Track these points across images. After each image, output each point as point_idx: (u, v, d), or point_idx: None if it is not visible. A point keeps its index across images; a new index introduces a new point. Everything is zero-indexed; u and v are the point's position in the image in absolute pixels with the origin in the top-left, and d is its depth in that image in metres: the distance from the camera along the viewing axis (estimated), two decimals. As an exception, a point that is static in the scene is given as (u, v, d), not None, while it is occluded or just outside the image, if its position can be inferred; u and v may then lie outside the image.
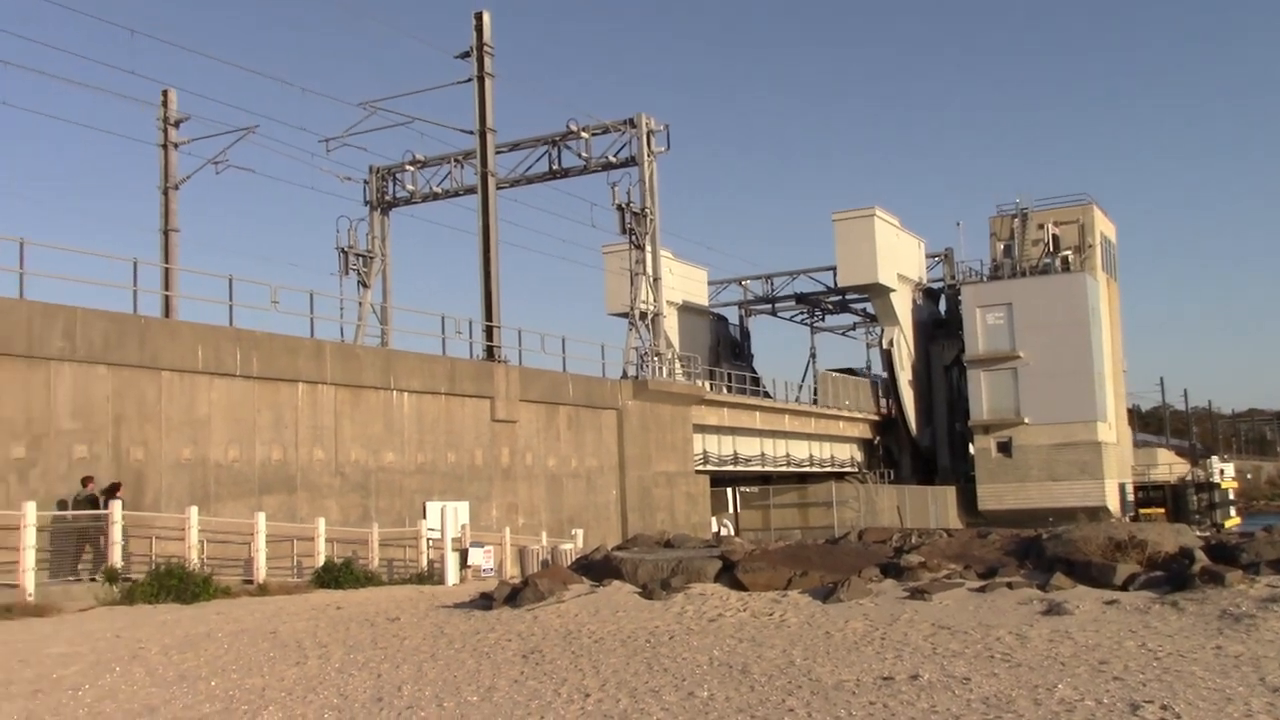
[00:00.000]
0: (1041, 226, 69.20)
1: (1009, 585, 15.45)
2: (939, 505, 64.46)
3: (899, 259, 67.54)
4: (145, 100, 40.23)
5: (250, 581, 23.37)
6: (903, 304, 68.58)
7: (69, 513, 22.24)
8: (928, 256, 74.08)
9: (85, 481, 23.15)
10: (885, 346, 68.98)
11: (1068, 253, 68.19)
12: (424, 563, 28.38)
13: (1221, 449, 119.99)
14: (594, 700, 9.92)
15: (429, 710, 9.78)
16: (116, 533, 21.57)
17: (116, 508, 21.89)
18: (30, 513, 19.61)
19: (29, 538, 19.41)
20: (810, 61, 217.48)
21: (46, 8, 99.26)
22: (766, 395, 58.60)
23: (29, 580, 19.13)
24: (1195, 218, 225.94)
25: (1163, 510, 67.94)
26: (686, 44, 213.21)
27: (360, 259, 47.04)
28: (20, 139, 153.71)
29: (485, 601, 17.59)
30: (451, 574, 26.76)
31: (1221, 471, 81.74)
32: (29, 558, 19.29)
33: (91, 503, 22.57)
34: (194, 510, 23.23)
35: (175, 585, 20.47)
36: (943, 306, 75.14)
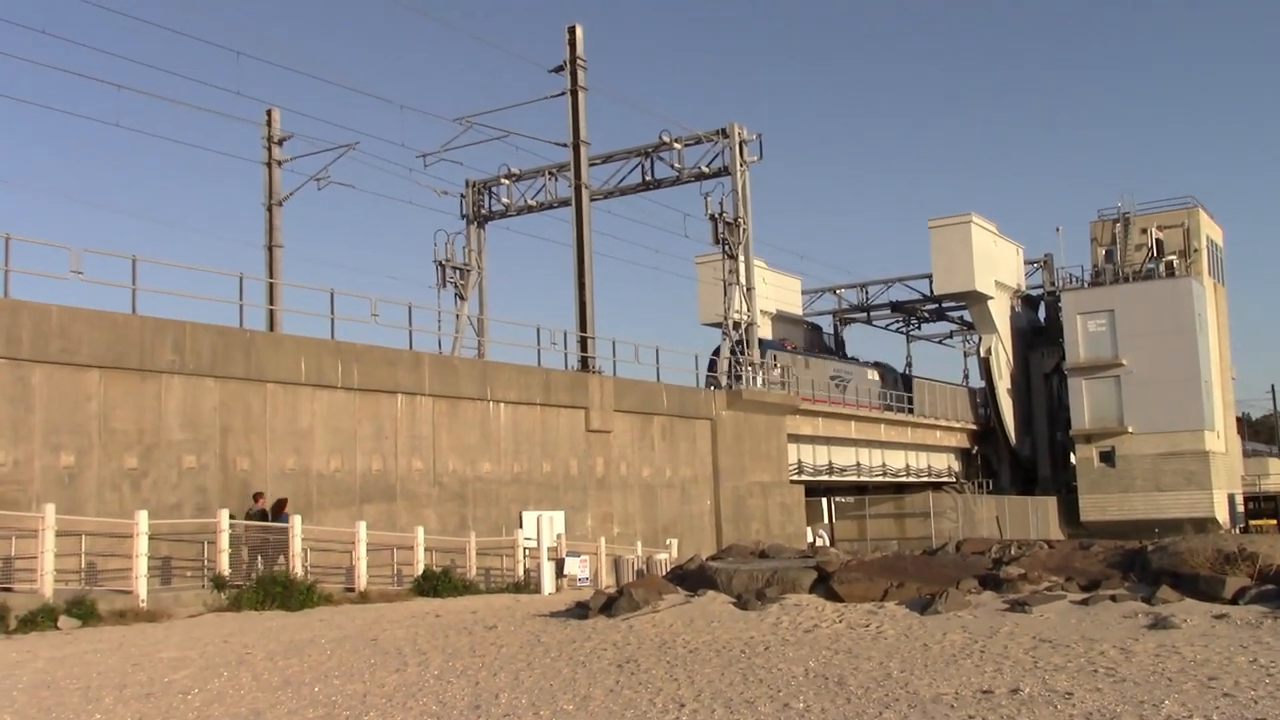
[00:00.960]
0: (1144, 231, 67.57)
1: (1113, 598, 15.14)
2: (1039, 516, 63.26)
3: (996, 266, 66.52)
4: (250, 120, 41.37)
5: (351, 589, 23.83)
6: (1001, 311, 67.49)
7: (241, 522, 23.45)
8: (1026, 263, 72.81)
9: (256, 498, 24.66)
10: (983, 355, 67.91)
11: (1172, 257, 66.51)
12: (520, 572, 28.66)
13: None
14: (689, 710, 9.96)
15: (525, 718, 9.90)
16: (297, 545, 23.15)
17: (297, 522, 23.47)
18: (143, 521, 20.24)
19: (141, 545, 20.02)
20: (905, 68, 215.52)
21: (158, 32, 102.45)
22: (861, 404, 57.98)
23: (142, 586, 19.74)
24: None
25: (1274, 522, 65.75)
26: (778, 53, 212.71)
27: (457, 272, 47.66)
28: (132, 160, 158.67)
29: (581, 610, 17.73)
30: (547, 583, 27.00)
31: (1337, 482, 78.89)
32: (142, 565, 19.90)
33: (261, 516, 24.03)
34: (297, 519, 23.75)
35: (280, 592, 20.99)
36: (1042, 314, 73.78)
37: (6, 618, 17.24)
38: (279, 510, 24.44)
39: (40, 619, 17.48)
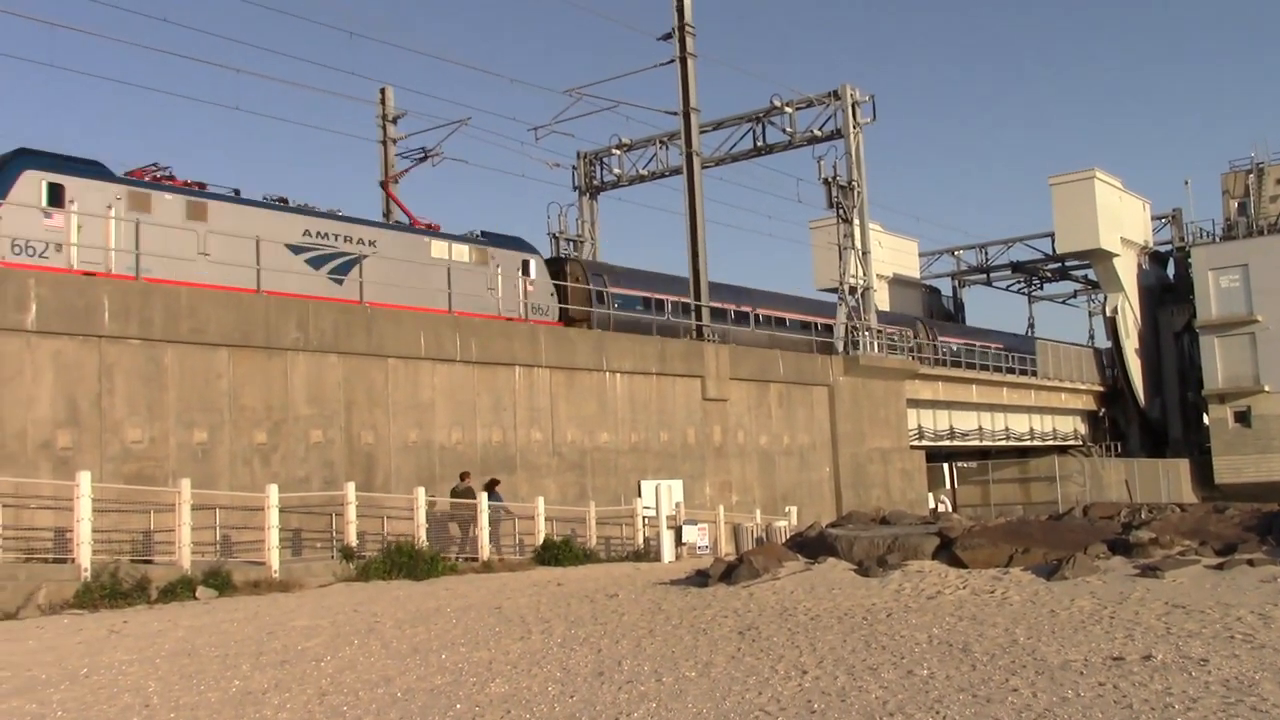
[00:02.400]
0: (1279, 181, 64.86)
1: (1250, 563, 14.63)
2: (1170, 479, 61.45)
3: (1122, 222, 64.46)
4: (364, 99, 42.06)
5: (474, 559, 24.26)
6: (1127, 269, 65.47)
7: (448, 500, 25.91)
8: (1153, 218, 70.46)
9: (463, 476, 26.62)
10: (1109, 314, 65.99)
11: (1310, 208, 63.75)
12: (640, 540, 28.86)
13: None
14: (811, 677, 9.92)
15: (648, 685, 9.97)
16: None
17: (481, 500, 25.31)
18: (273, 494, 20.85)
19: (273, 518, 20.64)
20: (1020, 22, 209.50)
21: (271, 16, 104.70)
22: (983, 368, 56.96)
23: (274, 557, 20.37)
24: None
25: None
26: (889, 10, 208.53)
27: (571, 243, 47.99)
28: (251, 143, 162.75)
29: (701, 579, 17.77)
30: (667, 551, 27.14)
31: None
32: (274, 536, 20.52)
33: (469, 494, 25.71)
34: (421, 490, 24.24)
35: (406, 562, 21.47)
36: (1171, 270, 71.38)
37: (148, 589, 17.94)
38: (491, 488, 26.61)
39: (179, 589, 18.16)
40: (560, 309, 33.83)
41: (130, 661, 12.26)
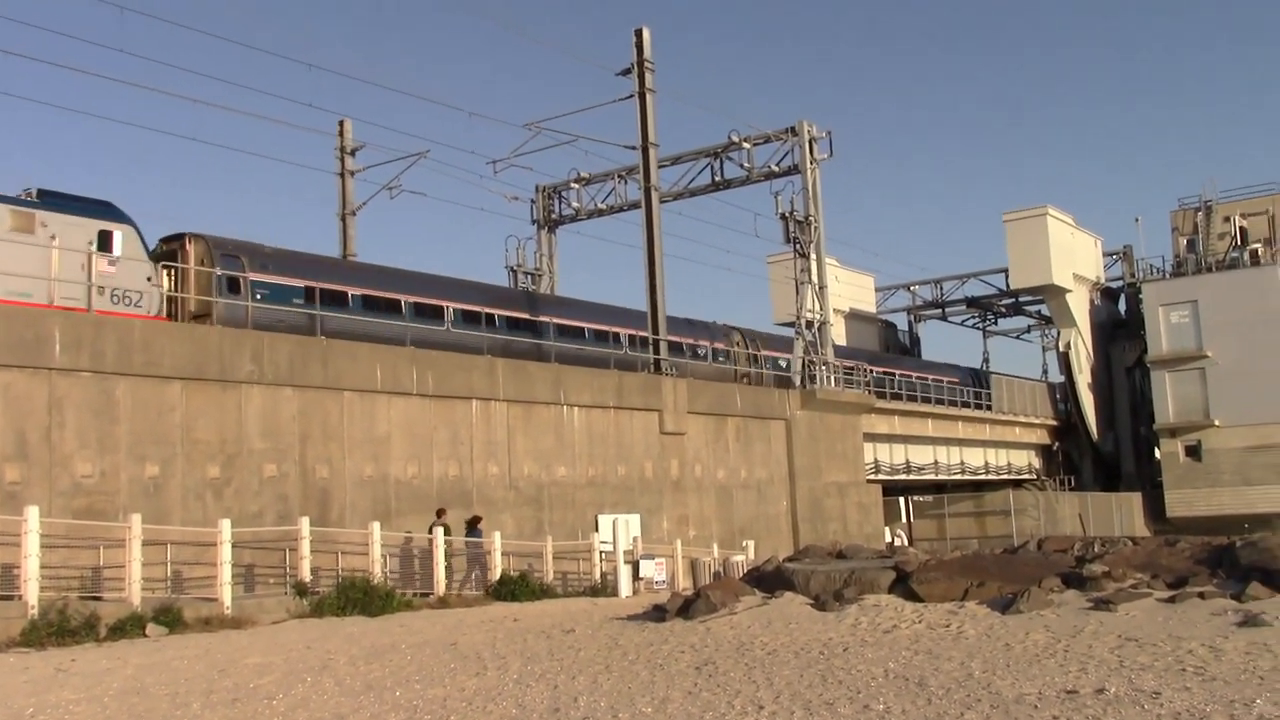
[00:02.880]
0: (1227, 219, 65.95)
1: (1201, 595, 14.79)
2: (1123, 513, 62.03)
3: (1074, 258, 65.33)
4: (323, 130, 41.99)
5: (430, 594, 24.06)
6: (1079, 305, 66.29)
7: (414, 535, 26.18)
8: (1105, 254, 71.42)
9: (439, 513, 26.60)
10: (1062, 349, 66.73)
11: (1257, 245, 64.79)
12: (597, 575, 28.74)
13: None
14: (768, 713, 9.90)
15: (605, 721, 9.90)
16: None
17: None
18: (226, 530, 20.60)
19: (225, 554, 20.38)
20: (975, 61, 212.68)
21: (230, 48, 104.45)
22: (939, 402, 57.39)
23: (226, 594, 20.09)
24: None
25: (1372, 516, 63.88)
26: (846, 49, 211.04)
27: (529, 277, 48.00)
28: (209, 174, 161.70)
29: (658, 613, 17.71)
30: (624, 586, 27.04)
31: None
32: (226, 572, 20.25)
33: (445, 531, 25.72)
34: (376, 525, 24.04)
35: (360, 598, 21.25)
36: (1122, 306, 72.33)
37: (96, 626, 17.64)
38: (473, 525, 27.11)
39: (129, 627, 17.87)
40: (184, 300, 26.47)
41: (78, 700, 12.04)
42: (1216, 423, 62.21)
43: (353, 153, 42.10)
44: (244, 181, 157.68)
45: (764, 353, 45.36)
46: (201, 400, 23.74)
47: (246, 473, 24.31)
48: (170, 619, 18.50)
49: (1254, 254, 64.48)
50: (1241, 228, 65.47)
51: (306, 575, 22.09)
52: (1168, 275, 66.81)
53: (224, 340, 24.40)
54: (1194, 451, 63.13)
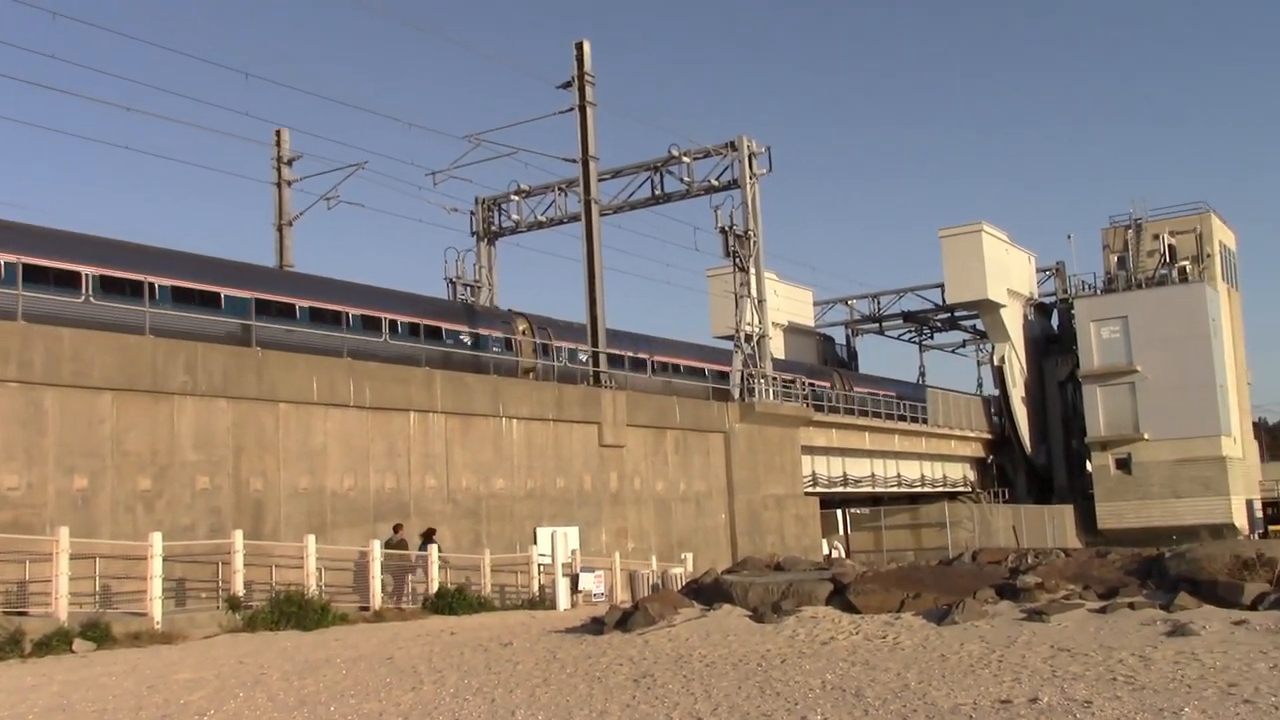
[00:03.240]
0: (1157, 237, 67.40)
1: (1131, 606, 15.03)
2: (1056, 525, 62.95)
3: (1009, 274, 66.35)
4: (260, 140, 41.58)
5: (366, 608, 23.80)
6: (1013, 320, 67.31)
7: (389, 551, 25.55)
8: (1038, 271, 72.66)
9: (396, 528, 26.73)
10: (996, 364, 67.72)
11: (1185, 263, 66.32)
12: (535, 588, 28.60)
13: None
14: (706, 724, 9.89)
15: (542, 734, 9.84)
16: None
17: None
18: (157, 543, 20.23)
19: (155, 567, 20.02)
20: (913, 76, 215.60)
21: (166, 55, 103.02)
22: (876, 415, 57.91)
23: (156, 608, 19.73)
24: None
25: (1294, 527, 65.39)
26: (786, 65, 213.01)
27: (468, 289, 47.78)
28: (142, 183, 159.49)
29: (596, 626, 17.67)
30: (563, 599, 26.94)
31: (1356, 485, 78.37)
32: (156, 586, 19.88)
33: (402, 546, 26.05)
34: (311, 539, 23.73)
35: (295, 612, 20.96)
36: (1055, 321, 73.56)
37: (21, 642, 17.24)
38: (428, 538, 26.81)
39: (55, 642, 17.47)
40: None
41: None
42: (1146, 436, 63.42)
43: (290, 162, 41.68)
44: (179, 190, 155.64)
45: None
46: (133, 411, 23.33)
47: (179, 485, 23.92)
48: (99, 634, 18.12)
49: (1182, 271, 65.90)
50: (1170, 245, 66.89)
51: (240, 589, 21.76)
52: (1099, 291, 68.08)
53: (156, 350, 24.00)
54: (1124, 464, 64.31)
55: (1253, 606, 14.58)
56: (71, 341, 22.52)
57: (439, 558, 26.36)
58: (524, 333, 38.19)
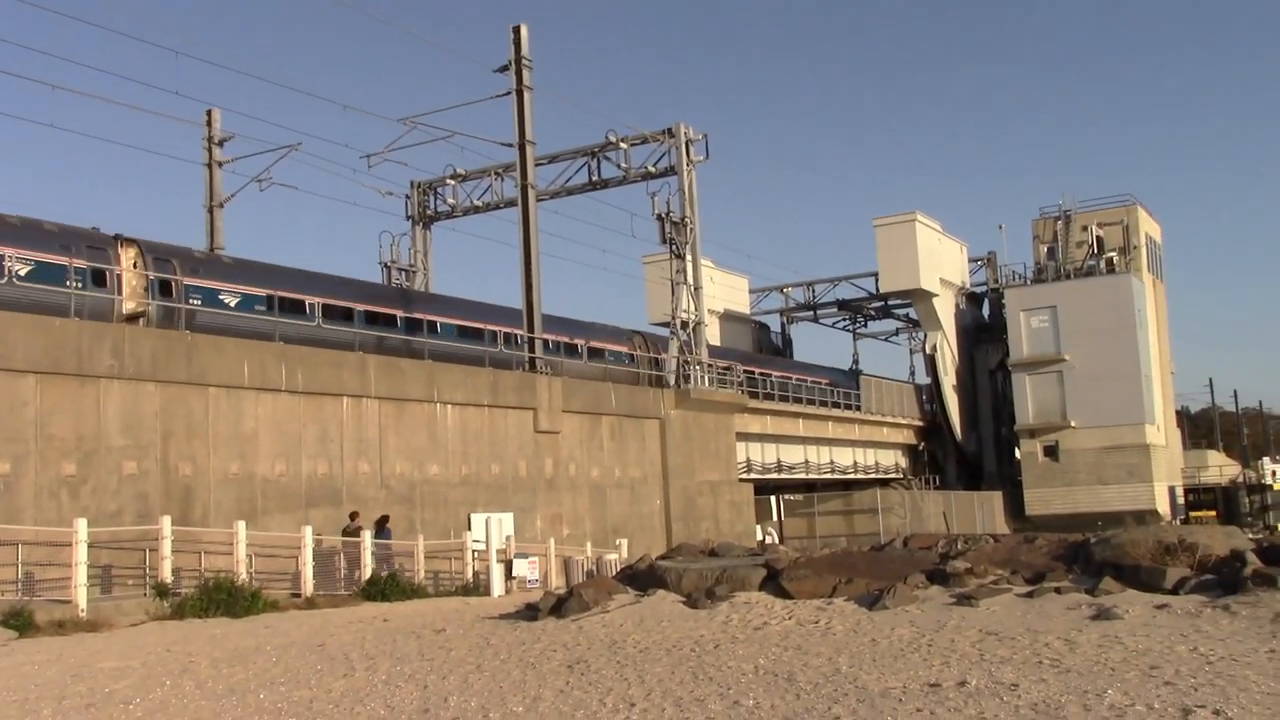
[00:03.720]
0: (1085, 228, 68.58)
1: (1057, 590, 15.28)
2: (985, 511, 63.93)
3: (941, 263, 67.13)
4: (190, 120, 40.84)
5: (298, 595, 23.58)
6: (945, 309, 68.13)
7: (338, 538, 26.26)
8: (970, 260, 73.60)
9: (353, 516, 27.05)
10: (928, 352, 68.58)
11: (1112, 254, 67.51)
12: (469, 574, 28.49)
13: (1274, 450, 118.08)
14: (639, 710, 9.92)
15: (475, 721, 9.81)
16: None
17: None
18: (82, 529, 19.87)
19: (81, 554, 19.67)
20: (849, 68, 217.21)
21: (93, 32, 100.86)
22: (810, 402, 58.35)
23: (81, 596, 19.38)
24: (1243, 217, 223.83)
25: (1214, 513, 66.99)
26: (724, 54, 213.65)
27: (403, 273, 47.40)
28: (68, 161, 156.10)
29: (530, 612, 17.63)
30: (497, 585, 26.86)
31: (1274, 473, 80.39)
32: (81, 574, 19.54)
33: (359, 533, 26.05)
34: (242, 525, 23.45)
35: (224, 599, 20.69)
36: (986, 311, 74.59)
37: (-59, 630, 16.86)
38: (382, 525, 27.09)
39: (-24, 631, 17.11)
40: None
41: (-82, 708, 11.48)
42: (1073, 424, 64.57)
43: (221, 143, 41.03)
44: (107, 171, 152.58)
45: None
46: (57, 395, 22.86)
47: (105, 471, 23.49)
48: (21, 622, 17.76)
49: (1109, 262, 67.11)
50: (1098, 237, 68.07)
51: (168, 576, 21.43)
52: (1029, 282, 69.11)
53: (82, 333, 23.53)
54: (1052, 452, 65.43)
55: (1174, 591, 14.89)
56: (-7, 323, 21.99)
57: (368, 543, 26.20)
58: (134, 265, 28.02)
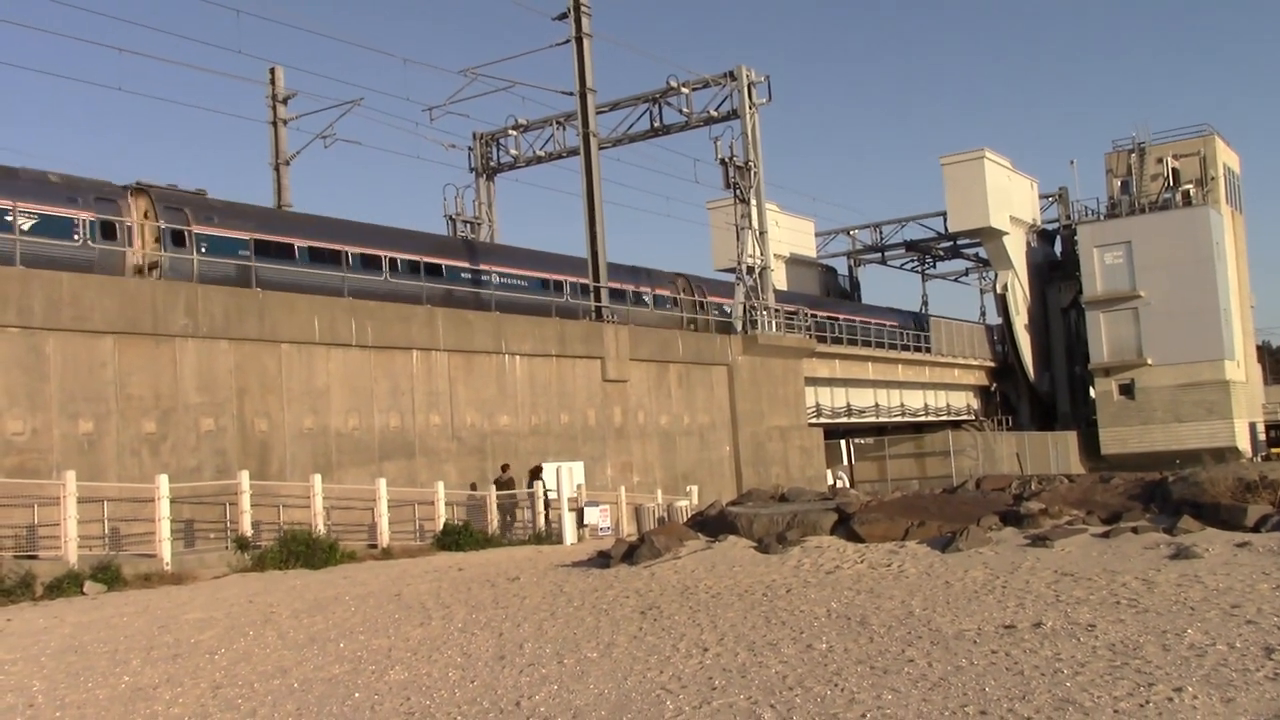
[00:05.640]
0: (1160, 161, 66.85)
1: (1134, 530, 15.08)
2: (1059, 451, 63.20)
3: (1011, 201, 65.94)
4: (253, 79, 41.16)
5: (374, 546, 23.98)
6: (1016, 247, 67.01)
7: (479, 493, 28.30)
8: (1041, 197, 72.17)
9: (503, 468, 29.06)
10: (999, 291, 67.56)
11: (1189, 187, 65.80)
12: (541, 523, 28.76)
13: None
14: (712, 654, 9.97)
15: (550, 667, 9.94)
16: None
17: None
18: (164, 485, 20.34)
19: (163, 509, 20.14)
20: (913, 5, 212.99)
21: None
22: (879, 345, 57.83)
23: (165, 549, 19.87)
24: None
25: (1297, 449, 65.54)
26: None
27: (468, 225, 47.57)
28: (136, 125, 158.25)
29: (602, 560, 17.77)
30: (569, 533, 27.10)
31: (1359, 407, 78.42)
32: (164, 528, 20.03)
33: (510, 485, 28.30)
34: (318, 478, 23.85)
35: (303, 551, 21.11)
36: (1058, 248, 73.25)
37: (33, 585, 17.38)
38: (535, 475, 28.43)
39: (66, 585, 17.62)
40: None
41: (14, 660, 11.87)
42: (1149, 361, 63.40)
43: (284, 101, 41.28)
44: (173, 131, 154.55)
45: (709, 298, 45.35)
46: (134, 355, 23.31)
47: (183, 428, 23.97)
48: (109, 576, 18.27)
49: (1185, 195, 65.45)
50: (1174, 169, 66.36)
51: (247, 529, 21.90)
52: (1102, 217, 67.67)
53: (156, 293, 23.94)
54: (1127, 390, 64.35)
55: (1255, 529, 14.63)
56: (70, 286, 22.45)
57: (441, 494, 26.55)
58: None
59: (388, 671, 10.27)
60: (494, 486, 28.23)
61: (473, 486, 28.90)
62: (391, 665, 10.54)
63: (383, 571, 19.72)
